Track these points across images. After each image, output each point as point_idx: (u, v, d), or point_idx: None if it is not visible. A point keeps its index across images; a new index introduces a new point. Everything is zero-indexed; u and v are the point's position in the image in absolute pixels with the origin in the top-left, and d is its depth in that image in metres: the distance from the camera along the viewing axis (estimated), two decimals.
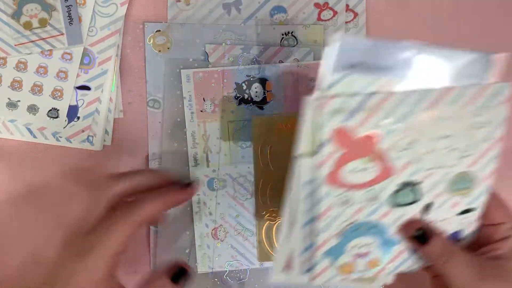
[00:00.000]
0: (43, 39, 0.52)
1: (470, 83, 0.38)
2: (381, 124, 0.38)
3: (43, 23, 0.52)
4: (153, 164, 0.53)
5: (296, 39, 0.55)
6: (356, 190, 0.39)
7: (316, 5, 0.55)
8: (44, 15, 0.52)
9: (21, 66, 0.52)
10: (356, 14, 0.55)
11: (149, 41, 0.54)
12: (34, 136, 0.53)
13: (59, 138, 0.53)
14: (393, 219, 0.41)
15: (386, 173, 0.39)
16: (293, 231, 0.41)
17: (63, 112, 0.53)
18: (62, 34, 0.52)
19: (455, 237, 0.43)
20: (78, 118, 0.53)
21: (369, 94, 0.37)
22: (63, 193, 0.54)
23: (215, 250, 0.54)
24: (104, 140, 0.54)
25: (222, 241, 0.54)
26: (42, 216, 0.54)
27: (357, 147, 0.38)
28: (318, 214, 0.40)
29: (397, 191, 0.40)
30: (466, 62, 0.39)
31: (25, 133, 0.53)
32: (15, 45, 0.52)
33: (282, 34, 0.54)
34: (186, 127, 0.53)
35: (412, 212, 0.41)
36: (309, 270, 0.42)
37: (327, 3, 0.55)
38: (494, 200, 0.43)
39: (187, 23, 0.54)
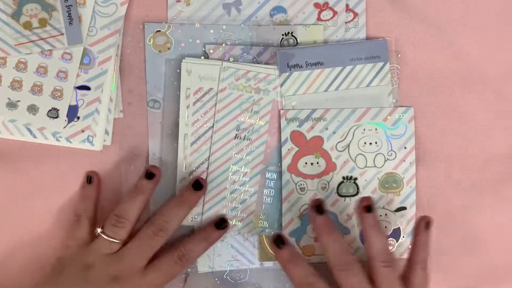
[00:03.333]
0: (43, 39, 0.52)
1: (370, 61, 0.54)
2: (322, 131, 0.53)
3: (43, 23, 0.52)
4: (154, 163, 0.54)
5: (296, 40, 0.55)
6: (310, 180, 0.53)
7: (316, 5, 0.55)
8: (44, 15, 0.52)
9: (21, 66, 0.52)
10: (356, 14, 0.55)
11: (149, 41, 0.54)
12: (34, 136, 0.53)
13: (59, 138, 0.53)
14: (341, 208, 0.54)
15: (330, 168, 0.54)
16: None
17: (63, 112, 0.53)
18: (62, 34, 0.52)
19: (396, 234, 0.54)
20: (78, 118, 0.53)
21: (313, 109, 0.53)
22: (63, 193, 0.54)
23: (215, 249, 0.54)
24: (104, 140, 0.54)
25: (222, 240, 0.54)
26: (42, 216, 0.54)
27: (307, 146, 0.53)
28: (282, 198, 0.53)
29: (341, 183, 0.54)
30: (366, 47, 0.54)
31: (25, 133, 0.53)
32: (15, 45, 0.52)
33: (282, 35, 0.54)
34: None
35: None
36: None
37: (327, 3, 0.55)
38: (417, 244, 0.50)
39: (187, 23, 0.54)
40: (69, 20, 0.52)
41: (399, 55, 0.55)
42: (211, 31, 0.54)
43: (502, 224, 0.56)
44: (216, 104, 0.53)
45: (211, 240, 0.51)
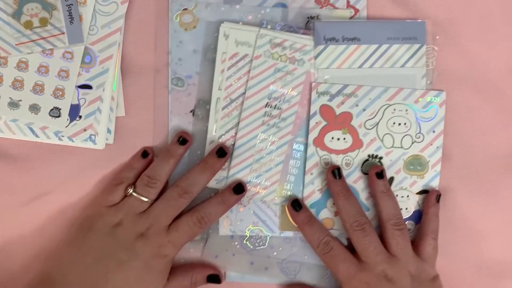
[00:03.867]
0: (44, 38, 0.52)
1: (406, 42, 0.54)
2: (352, 108, 0.54)
3: (43, 22, 0.52)
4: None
5: None
6: (335, 155, 0.54)
7: (317, 1, 0.55)
8: (44, 14, 0.52)
9: (22, 65, 0.52)
10: (357, 11, 0.55)
11: (176, 19, 0.54)
12: (36, 136, 0.53)
13: (61, 137, 0.53)
14: (364, 185, 0.54)
15: (357, 145, 0.54)
16: None
17: (65, 111, 0.53)
18: (63, 33, 0.52)
19: (417, 215, 0.54)
20: (80, 117, 0.53)
21: (345, 85, 0.54)
22: (65, 192, 0.54)
23: (237, 214, 0.54)
24: (107, 139, 0.54)
25: (244, 206, 0.54)
26: (45, 216, 0.54)
27: (336, 121, 0.54)
28: (305, 170, 0.54)
29: (366, 160, 0.54)
30: (404, 27, 0.54)
31: (27, 133, 0.53)
32: (16, 44, 0.52)
33: (308, 18, 0.54)
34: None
35: None
36: None
37: None
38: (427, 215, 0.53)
39: (213, 3, 0.54)
40: (70, 19, 0.52)
41: (437, 37, 0.55)
42: (237, 12, 0.54)
43: (504, 220, 0.56)
44: (250, 70, 0.54)
45: (228, 204, 0.53)
